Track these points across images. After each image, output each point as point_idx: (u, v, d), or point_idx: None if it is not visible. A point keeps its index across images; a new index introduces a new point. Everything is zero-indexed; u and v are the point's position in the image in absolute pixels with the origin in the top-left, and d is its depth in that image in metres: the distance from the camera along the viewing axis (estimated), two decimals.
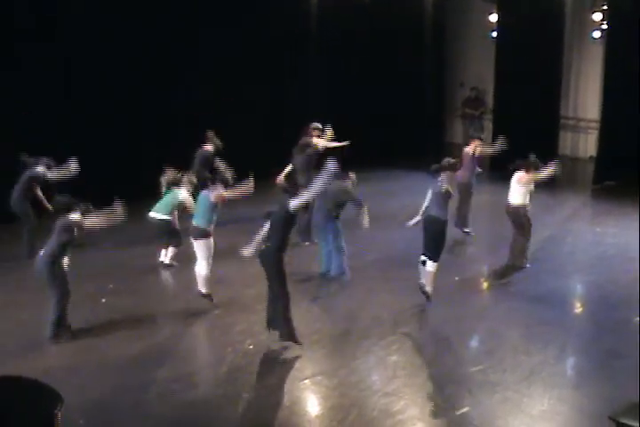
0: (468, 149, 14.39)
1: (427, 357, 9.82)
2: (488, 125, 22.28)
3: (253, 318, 10.57)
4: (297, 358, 9.75)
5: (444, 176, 11.26)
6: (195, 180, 12.94)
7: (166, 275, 12.66)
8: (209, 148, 14.66)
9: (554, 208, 16.92)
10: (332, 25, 19.51)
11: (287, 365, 9.53)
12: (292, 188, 9.99)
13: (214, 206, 10.77)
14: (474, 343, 10.67)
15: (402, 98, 21.13)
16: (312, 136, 14.70)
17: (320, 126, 14.92)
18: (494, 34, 20.95)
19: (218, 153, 14.27)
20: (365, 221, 11.88)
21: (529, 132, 19.38)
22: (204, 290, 10.98)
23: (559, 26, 20.24)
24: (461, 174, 13.57)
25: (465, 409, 8.37)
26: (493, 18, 20.90)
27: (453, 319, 10.90)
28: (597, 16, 20.03)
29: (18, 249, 12.99)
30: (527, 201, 12.65)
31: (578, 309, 11.87)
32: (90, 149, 14.57)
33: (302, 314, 10.65)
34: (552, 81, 20.24)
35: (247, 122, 17.80)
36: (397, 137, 20.55)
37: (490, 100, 22.09)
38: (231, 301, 11.34)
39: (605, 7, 19.39)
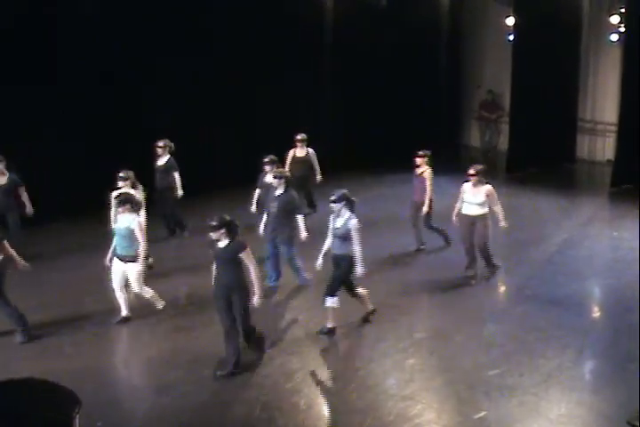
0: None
1: (443, 360, 9.78)
2: (504, 129, 22.22)
3: (268, 321, 10.56)
4: (313, 361, 9.75)
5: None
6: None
7: (179, 278, 12.64)
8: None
9: (571, 212, 16.87)
10: (348, 27, 19.48)
11: (304, 367, 9.52)
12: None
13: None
14: (491, 347, 10.62)
15: (418, 100, 21.10)
16: (297, 147, 15.20)
17: (305, 137, 15.23)
18: (511, 37, 20.89)
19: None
20: (302, 234, 11.69)
21: (546, 136, 19.36)
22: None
23: (576, 29, 20.23)
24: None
25: (483, 413, 8.33)
26: (510, 21, 20.85)
27: (470, 322, 10.87)
28: (615, 19, 19.94)
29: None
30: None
31: (595, 312, 11.82)
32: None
33: (318, 317, 10.65)
34: (569, 84, 20.22)
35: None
36: (413, 139, 20.48)
37: (506, 103, 22.03)
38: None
39: (623, 10, 19.30)
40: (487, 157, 22.65)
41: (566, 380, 9.07)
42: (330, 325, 10.34)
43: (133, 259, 10.50)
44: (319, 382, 9.19)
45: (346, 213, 10.05)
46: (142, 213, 11.07)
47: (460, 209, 12.35)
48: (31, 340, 10.06)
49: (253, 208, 13.29)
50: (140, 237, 10.46)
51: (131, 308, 10.84)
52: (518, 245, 14.34)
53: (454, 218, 12.47)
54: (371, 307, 10.76)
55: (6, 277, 10.03)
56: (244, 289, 9.10)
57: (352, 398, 8.81)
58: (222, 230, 8.95)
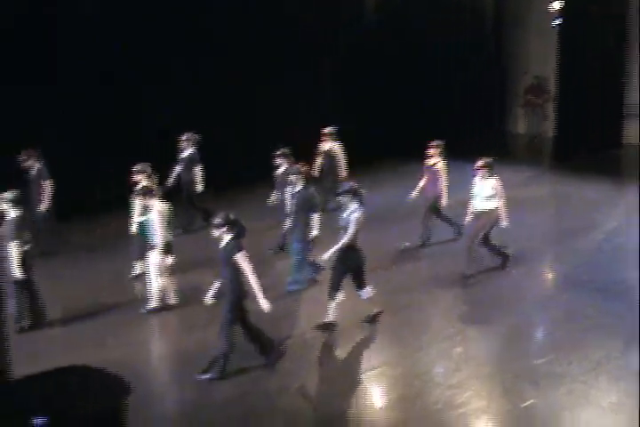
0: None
1: (491, 349, 9.77)
2: (551, 114, 21.98)
3: (315, 308, 10.58)
4: (360, 349, 9.80)
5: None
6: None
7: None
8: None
9: (618, 199, 16.68)
10: (391, 11, 19.42)
11: (350, 356, 9.58)
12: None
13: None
14: (539, 335, 10.60)
15: (462, 86, 20.98)
16: (327, 141, 15.04)
17: (334, 131, 15.04)
18: (557, 21, 20.65)
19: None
20: (314, 232, 11.35)
21: (592, 122, 19.14)
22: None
23: (624, 12, 19.92)
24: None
25: (530, 401, 8.31)
26: (557, 5, 20.60)
27: (517, 311, 10.83)
28: None
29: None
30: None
31: None
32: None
33: (365, 307, 10.69)
34: (616, 68, 19.94)
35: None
36: (459, 126, 20.43)
37: (553, 88, 21.78)
38: (292, 292, 11.38)
39: None
40: (533, 144, 22.48)
41: (615, 368, 8.99)
42: (327, 319, 10.11)
43: (155, 248, 10.65)
44: (367, 370, 9.21)
45: (353, 206, 9.92)
46: (158, 204, 10.93)
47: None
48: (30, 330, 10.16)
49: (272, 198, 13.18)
50: (158, 227, 10.55)
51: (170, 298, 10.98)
52: (565, 232, 14.22)
53: (468, 215, 12.04)
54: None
55: (31, 267, 10.24)
56: (232, 292, 8.78)
57: (400, 385, 8.86)
58: (224, 229, 8.81)
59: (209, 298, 9.11)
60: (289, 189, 11.91)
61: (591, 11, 18.97)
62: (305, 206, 11.34)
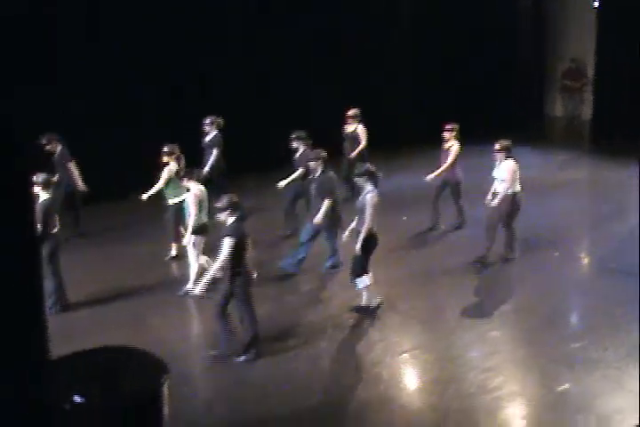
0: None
1: (526, 333, 9.75)
2: (589, 98, 21.74)
3: (351, 292, 10.57)
4: (395, 332, 9.84)
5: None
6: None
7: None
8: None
9: None
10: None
11: (385, 339, 9.60)
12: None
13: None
14: (574, 320, 10.57)
15: (500, 70, 20.80)
16: (351, 123, 14.81)
17: (358, 112, 14.82)
18: (596, 3, 20.41)
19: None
20: (317, 217, 11.18)
21: (632, 106, 18.89)
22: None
23: None
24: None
25: (565, 386, 8.31)
26: None
27: (553, 295, 10.80)
28: None
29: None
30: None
31: None
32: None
33: (399, 290, 10.71)
34: None
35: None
36: (496, 110, 20.28)
37: (590, 72, 21.54)
38: (328, 275, 11.43)
39: None
40: (571, 127, 22.28)
41: None
42: (363, 303, 10.19)
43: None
44: (400, 353, 9.25)
45: (368, 188, 9.91)
46: (194, 186, 10.95)
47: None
48: (58, 313, 10.19)
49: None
50: (192, 209, 10.63)
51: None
52: (601, 217, 14.12)
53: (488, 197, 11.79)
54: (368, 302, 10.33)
55: (59, 250, 10.34)
56: (238, 275, 8.83)
57: (433, 369, 8.88)
58: (227, 212, 8.89)
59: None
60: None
61: None
62: (323, 191, 11.30)
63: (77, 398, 5.34)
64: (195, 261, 10.78)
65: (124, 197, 13.81)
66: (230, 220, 8.89)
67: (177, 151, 11.86)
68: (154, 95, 15.58)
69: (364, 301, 10.17)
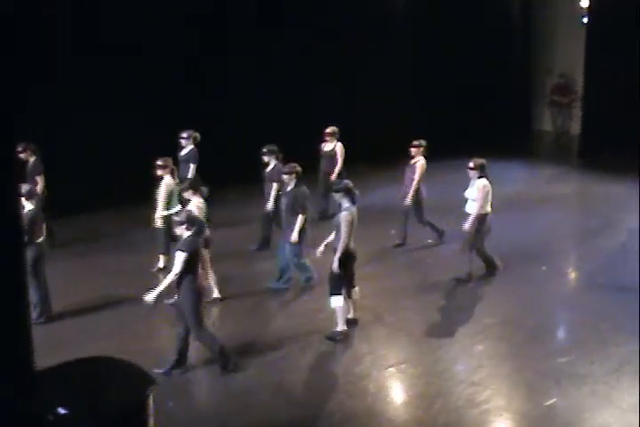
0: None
1: (513, 347, 9.72)
2: (577, 114, 21.82)
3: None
4: (382, 344, 9.81)
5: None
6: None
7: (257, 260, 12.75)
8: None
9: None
10: (419, 10, 19.37)
11: (373, 352, 9.57)
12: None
13: None
14: (561, 334, 10.57)
15: (488, 84, 20.86)
16: (328, 140, 14.49)
17: (337, 130, 14.48)
18: (585, 19, 20.51)
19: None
20: (293, 235, 11.06)
21: (620, 122, 18.97)
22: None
23: None
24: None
25: (552, 401, 8.29)
26: (584, 3, 20.48)
27: (540, 309, 10.78)
28: None
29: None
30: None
31: None
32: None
33: (386, 303, 10.68)
34: None
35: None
36: (484, 124, 20.32)
37: (579, 87, 21.63)
38: (316, 287, 11.39)
39: None
40: (560, 142, 22.35)
41: (637, 370, 8.92)
42: (350, 315, 10.10)
43: None
44: (387, 367, 9.21)
45: (345, 204, 9.78)
46: (197, 199, 10.89)
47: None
48: (43, 323, 10.11)
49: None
50: None
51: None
52: (589, 232, 14.15)
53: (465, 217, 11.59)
54: (354, 315, 10.24)
55: (44, 260, 10.28)
56: (191, 292, 8.73)
57: (420, 382, 8.85)
58: (184, 226, 8.87)
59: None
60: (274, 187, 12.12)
61: (619, 7, 18.76)
62: (297, 206, 11.18)
63: (62, 410, 5.29)
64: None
65: (113, 206, 13.77)
66: (186, 234, 8.87)
67: (170, 164, 11.79)
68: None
69: (337, 324, 9.90)
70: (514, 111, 21.97)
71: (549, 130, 23.12)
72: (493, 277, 11.76)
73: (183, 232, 8.91)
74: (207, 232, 10.71)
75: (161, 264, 11.99)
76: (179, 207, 11.30)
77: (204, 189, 11.10)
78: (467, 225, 11.31)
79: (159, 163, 11.65)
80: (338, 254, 9.70)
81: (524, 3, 22.04)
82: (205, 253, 10.63)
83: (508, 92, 21.84)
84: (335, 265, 9.73)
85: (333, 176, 14.19)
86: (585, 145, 20.28)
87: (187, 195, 10.83)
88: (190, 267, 8.73)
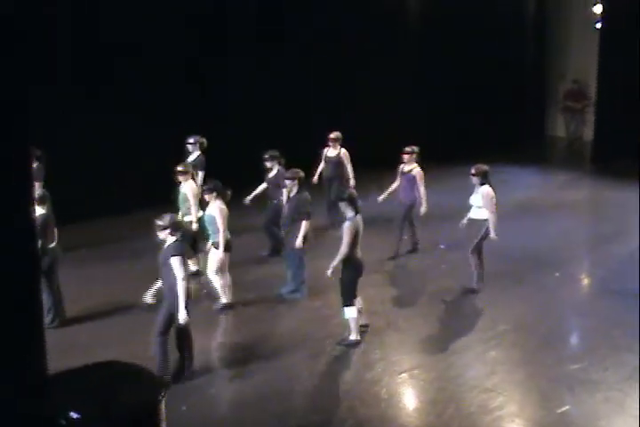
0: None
1: (526, 353, 9.69)
2: (590, 119, 21.76)
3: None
4: (395, 350, 9.79)
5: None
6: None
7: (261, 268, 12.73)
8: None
9: None
10: (430, 15, 19.35)
11: (385, 357, 9.54)
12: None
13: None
14: (574, 340, 10.52)
15: (502, 90, 20.84)
16: (331, 146, 14.27)
17: (340, 136, 14.25)
18: (598, 25, 20.47)
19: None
20: (297, 241, 11.06)
21: (632, 126, 18.91)
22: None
23: None
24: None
25: (566, 408, 8.25)
26: (598, 9, 20.44)
27: (553, 315, 10.76)
28: None
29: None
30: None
31: None
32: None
33: (399, 309, 10.65)
34: None
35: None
36: (497, 130, 20.29)
37: (592, 93, 21.58)
38: (329, 293, 11.37)
39: None
40: (572, 148, 22.29)
41: None
42: (350, 336, 9.91)
43: (216, 245, 10.65)
44: (400, 373, 9.19)
45: (348, 214, 9.65)
46: (220, 203, 10.90)
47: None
48: (56, 327, 10.11)
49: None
50: (220, 224, 10.59)
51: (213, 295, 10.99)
52: (602, 238, 14.11)
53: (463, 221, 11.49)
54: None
55: (58, 264, 10.29)
56: (167, 298, 8.76)
57: (433, 388, 8.82)
58: (166, 231, 8.75)
59: (148, 297, 9.18)
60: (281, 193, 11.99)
61: (633, 13, 18.73)
62: (301, 212, 11.13)
63: (74, 414, 5.30)
64: (219, 275, 10.78)
65: (127, 211, 13.77)
66: (171, 239, 8.78)
67: (191, 169, 11.79)
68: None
69: (350, 332, 9.86)
70: (527, 117, 21.95)
71: (562, 136, 23.06)
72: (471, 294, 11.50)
73: (167, 237, 8.79)
74: (228, 236, 10.72)
75: (194, 268, 11.88)
76: (200, 212, 11.35)
77: (228, 193, 11.07)
78: (492, 234, 11.13)
79: (180, 169, 11.65)
80: (334, 263, 9.63)
81: (537, 9, 22.02)
82: (225, 257, 10.67)
83: (522, 98, 21.81)
84: (329, 271, 9.68)
85: (351, 182, 14.01)
86: (598, 151, 20.21)
87: (208, 197, 10.82)
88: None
